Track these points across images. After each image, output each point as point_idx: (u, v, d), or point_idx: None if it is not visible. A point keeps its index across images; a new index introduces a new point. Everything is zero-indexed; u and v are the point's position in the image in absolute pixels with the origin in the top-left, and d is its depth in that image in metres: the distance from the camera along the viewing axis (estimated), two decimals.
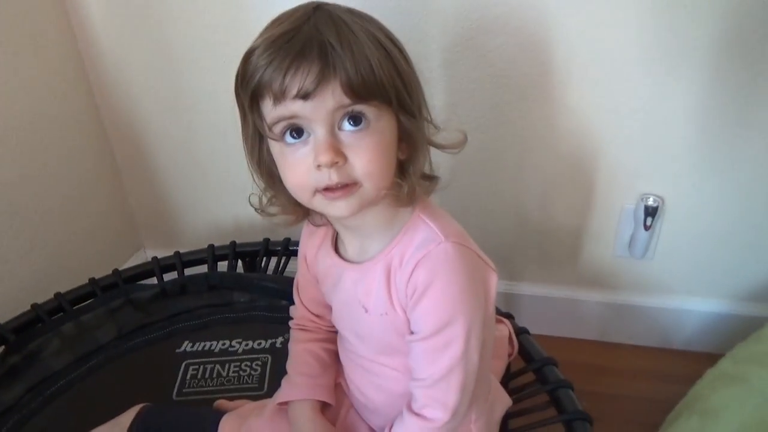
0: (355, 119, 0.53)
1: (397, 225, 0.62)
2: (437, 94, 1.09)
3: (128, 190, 1.41)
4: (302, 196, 0.57)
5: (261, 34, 0.55)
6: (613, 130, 1.07)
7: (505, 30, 1.01)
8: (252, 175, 0.63)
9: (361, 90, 0.51)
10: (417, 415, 0.60)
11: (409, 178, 0.58)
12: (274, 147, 0.57)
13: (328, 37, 0.51)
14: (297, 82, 0.50)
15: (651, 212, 1.10)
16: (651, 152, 1.08)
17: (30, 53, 1.11)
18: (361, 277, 0.63)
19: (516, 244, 1.23)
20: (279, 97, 0.52)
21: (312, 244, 0.72)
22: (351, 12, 0.55)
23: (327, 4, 0.55)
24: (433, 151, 0.61)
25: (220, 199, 1.36)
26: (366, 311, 0.63)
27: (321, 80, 0.50)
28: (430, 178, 0.61)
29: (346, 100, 0.51)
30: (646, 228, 1.11)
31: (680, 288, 1.22)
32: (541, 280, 1.27)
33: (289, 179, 0.57)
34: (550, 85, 1.05)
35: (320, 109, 0.52)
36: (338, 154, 0.53)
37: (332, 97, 0.51)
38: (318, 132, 0.53)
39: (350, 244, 0.66)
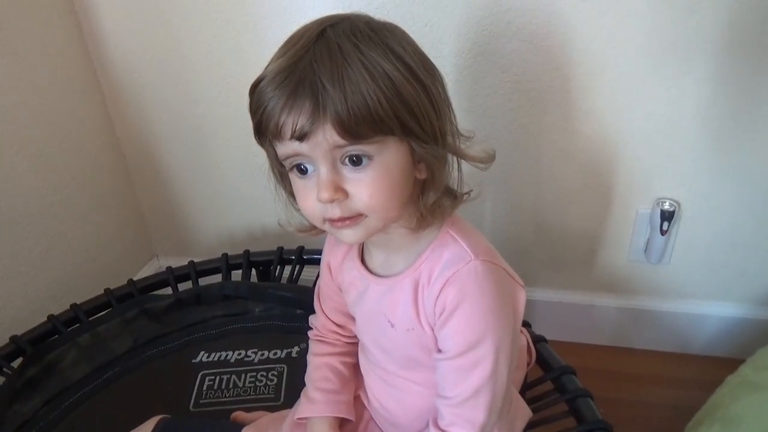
0: (355, 159, 0.52)
1: (425, 241, 0.61)
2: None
3: (141, 199, 1.41)
4: (314, 222, 0.58)
5: (270, 62, 0.54)
6: (628, 133, 1.06)
7: (518, 35, 1.00)
8: (276, 187, 0.63)
9: (354, 129, 0.50)
10: None
11: (426, 198, 0.57)
12: (290, 174, 0.58)
13: (321, 75, 0.49)
14: (290, 123, 0.50)
15: (667, 217, 1.09)
16: (666, 156, 1.07)
17: (46, 69, 1.12)
18: (388, 292, 0.63)
19: (530, 249, 1.23)
20: (277, 137, 0.52)
21: (337, 252, 0.71)
22: (357, 35, 0.52)
23: (335, 26, 0.53)
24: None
25: (232, 208, 1.36)
26: (392, 326, 0.63)
27: (313, 122, 0.50)
28: (455, 195, 0.60)
29: (341, 141, 0.50)
30: (663, 233, 1.10)
31: (697, 292, 1.20)
32: (556, 285, 1.26)
33: (301, 207, 0.58)
34: (564, 89, 1.04)
35: (317, 149, 0.51)
36: (338, 191, 0.53)
37: (325, 138, 0.50)
38: (320, 169, 0.53)
39: (377, 256, 0.65)
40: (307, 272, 1.17)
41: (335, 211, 0.54)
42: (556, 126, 1.08)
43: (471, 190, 0.61)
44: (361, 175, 0.53)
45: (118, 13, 1.16)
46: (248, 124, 1.33)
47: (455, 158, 0.59)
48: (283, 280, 1.17)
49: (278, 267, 1.17)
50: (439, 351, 0.60)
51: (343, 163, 0.53)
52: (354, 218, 0.55)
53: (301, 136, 0.51)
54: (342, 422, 0.72)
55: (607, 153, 1.09)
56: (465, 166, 0.60)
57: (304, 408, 0.72)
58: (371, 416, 0.73)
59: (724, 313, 1.20)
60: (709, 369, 1.20)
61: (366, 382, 0.73)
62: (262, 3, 1.08)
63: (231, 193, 1.34)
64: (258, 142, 0.57)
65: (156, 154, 1.33)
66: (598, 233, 1.18)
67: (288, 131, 0.51)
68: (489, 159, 0.60)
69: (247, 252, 1.18)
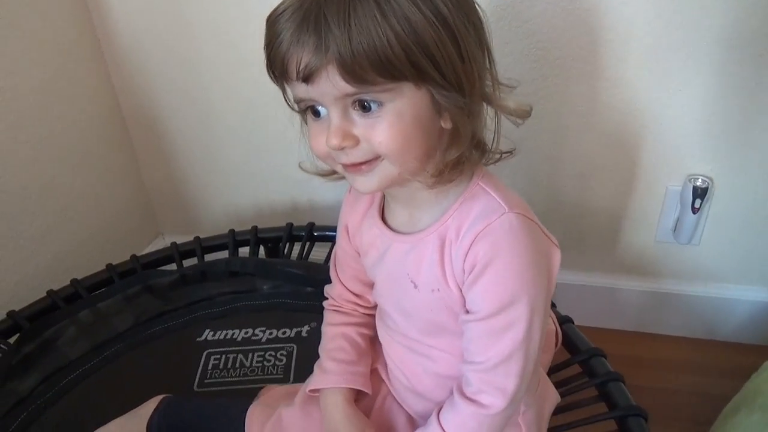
0: (363, 106, 0.49)
1: (453, 194, 0.56)
2: None
3: (146, 175, 1.37)
4: (327, 163, 0.56)
5: None
6: (659, 105, 1.00)
7: None
8: (301, 126, 0.59)
9: (359, 73, 0.46)
10: (471, 400, 0.55)
11: (449, 152, 0.52)
12: (305, 115, 0.55)
13: (327, 11, 0.45)
14: (294, 62, 0.47)
15: (700, 194, 1.03)
16: (700, 129, 1.01)
17: (48, 42, 1.09)
18: (411, 250, 0.58)
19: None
20: (284, 76, 0.50)
21: (356, 212, 0.66)
22: None
23: None
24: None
25: (240, 184, 1.32)
26: (415, 287, 0.58)
27: (317, 61, 0.46)
28: (484, 148, 0.55)
29: (349, 88, 0.47)
30: (694, 211, 1.04)
31: (728, 275, 1.15)
32: (578, 267, 1.20)
33: (312, 148, 0.55)
34: (593, 57, 0.98)
35: (326, 95, 0.49)
36: (346, 138, 0.50)
37: (330, 82, 0.47)
38: (331, 114, 0.50)
39: (399, 213, 0.61)
40: (317, 249, 1.13)
41: (347, 157, 0.51)
42: (582, 96, 1.02)
43: (506, 151, 0.56)
44: (371, 121, 0.50)
45: None
46: (255, 100, 1.28)
47: (495, 112, 0.54)
48: (293, 258, 1.12)
49: (287, 244, 1.13)
50: (467, 312, 0.55)
51: (353, 108, 0.50)
52: (369, 163, 0.51)
53: (306, 77, 0.47)
54: (358, 396, 0.67)
55: (635, 126, 1.03)
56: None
57: (317, 379, 0.68)
58: (389, 391, 0.69)
59: (756, 298, 1.15)
60: (738, 356, 1.16)
61: (385, 349, 0.69)
62: None
63: (238, 169, 1.30)
64: (272, 80, 0.53)
65: (161, 129, 1.29)
66: (624, 212, 1.13)
67: (293, 70, 0.48)
68: (524, 114, 0.55)
69: (255, 228, 1.14)
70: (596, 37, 0.97)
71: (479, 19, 0.52)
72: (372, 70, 0.46)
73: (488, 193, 0.55)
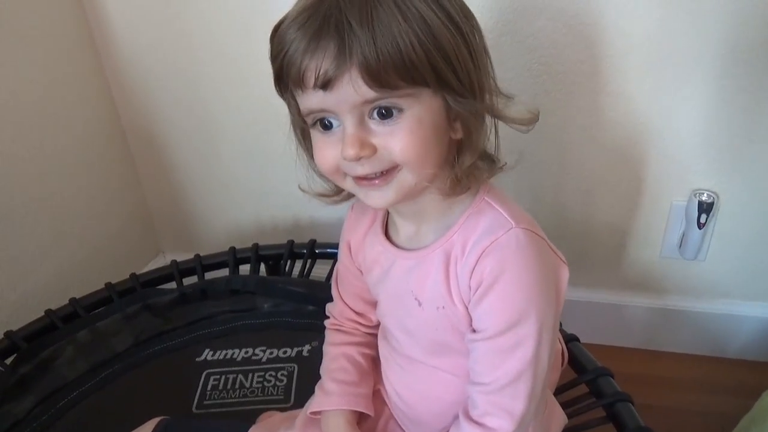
0: (384, 112, 0.48)
1: (459, 209, 0.55)
2: None
3: (147, 192, 1.36)
4: (334, 179, 0.54)
5: (294, 5, 0.49)
6: (662, 119, 0.99)
7: (546, 12, 0.94)
8: (297, 147, 0.58)
9: (383, 76, 0.45)
10: (477, 423, 0.53)
11: (462, 160, 0.51)
12: (312, 130, 0.53)
13: (348, 13, 0.44)
14: (313, 68, 0.46)
15: (706, 209, 1.01)
16: (704, 144, 1.00)
17: (50, 59, 1.09)
18: (416, 266, 0.57)
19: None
20: (299, 86, 0.48)
21: (358, 228, 0.65)
22: None
23: None
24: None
25: (241, 201, 1.31)
26: (419, 304, 0.57)
27: (338, 66, 0.45)
28: (492, 159, 0.54)
29: (371, 93, 0.46)
30: (700, 226, 1.03)
31: (735, 291, 1.13)
32: (583, 283, 1.19)
33: (319, 164, 0.53)
34: (596, 71, 0.97)
35: (344, 103, 0.47)
36: (364, 147, 0.48)
37: (351, 87, 0.46)
38: (346, 123, 0.49)
39: (403, 229, 0.60)
40: (319, 267, 1.11)
41: (362, 169, 0.49)
42: (585, 110, 1.01)
43: (506, 162, 0.55)
44: (391, 127, 0.48)
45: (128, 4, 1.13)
46: (256, 115, 1.27)
47: (493, 122, 0.53)
48: (294, 276, 1.11)
49: (289, 261, 1.12)
50: (474, 331, 0.54)
51: (370, 117, 0.48)
52: (385, 175, 0.50)
53: (325, 83, 0.46)
54: (360, 418, 0.66)
55: (639, 140, 1.02)
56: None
57: (318, 401, 0.66)
58: (391, 414, 0.67)
59: (764, 314, 1.13)
60: (746, 374, 1.14)
61: (385, 372, 0.67)
62: None
63: (239, 185, 1.29)
64: (279, 93, 0.52)
65: (162, 145, 1.28)
66: (628, 227, 1.11)
67: (311, 77, 0.46)
68: (532, 120, 0.54)
69: (255, 245, 1.13)
70: (597, 51, 0.96)
71: (479, 24, 0.52)
72: (395, 74, 0.45)
73: (494, 208, 0.54)
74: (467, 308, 0.54)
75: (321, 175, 0.57)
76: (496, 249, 0.51)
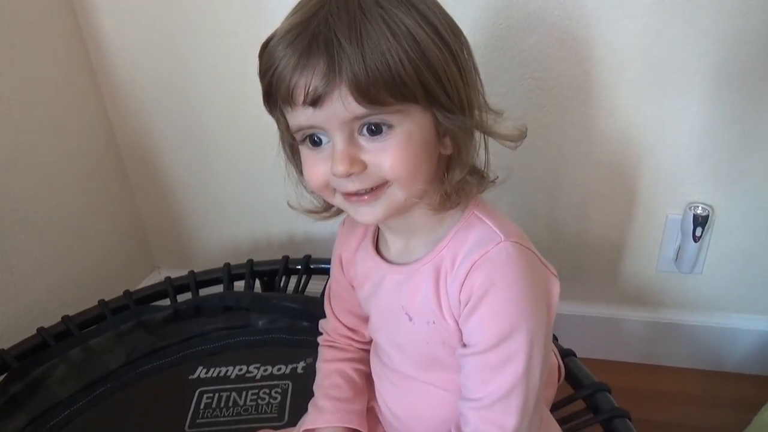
0: (374, 128, 0.48)
1: (448, 223, 0.55)
2: None
3: (141, 208, 1.36)
4: (324, 195, 0.54)
5: (283, 21, 0.50)
6: (656, 133, 0.99)
7: (539, 28, 0.94)
8: (286, 164, 0.58)
9: (373, 93, 0.45)
10: None
11: (452, 176, 0.51)
12: (301, 146, 0.53)
13: (337, 30, 0.45)
14: (303, 85, 0.46)
15: (701, 222, 1.01)
16: (699, 157, 1.00)
17: (44, 75, 1.09)
18: (406, 281, 0.57)
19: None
20: (289, 103, 0.48)
21: (350, 243, 0.65)
22: None
23: None
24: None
25: (236, 217, 1.31)
26: (410, 319, 0.57)
27: (328, 83, 0.45)
28: (482, 175, 0.54)
29: (360, 110, 0.46)
30: (696, 239, 1.03)
31: (732, 305, 1.13)
32: (579, 298, 1.18)
33: (308, 180, 0.53)
34: (588, 86, 0.98)
35: (333, 119, 0.47)
36: (354, 164, 0.48)
37: (341, 104, 0.46)
38: (335, 140, 0.49)
39: (393, 244, 0.60)
40: (314, 282, 1.11)
41: (352, 185, 0.49)
42: (578, 125, 1.02)
43: (497, 177, 0.55)
44: (381, 144, 0.48)
45: (120, 20, 1.13)
46: (250, 132, 1.27)
47: (482, 137, 0.53)
48: (289, 292, 1.11)
49: (284, 277, 1.11)
50: (465, 345, 0.53)
51: (360, 133, 0.48)
52: (375, 191, 0.50)
53: (315, 100, 0.46)
54: None
55: (634, 154, 1.02)
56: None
57: (312, 418, 0.66)
58: (385, 430, 0.67)
59: (761, 327, 1.12)
60: (744, 388, 1.14)
61: (378, 389, 0.67)
62: (269, 10, 1.03)
63: (235, 201, 1.29)
64: (268, 110, 0.52)
65: (157, 162, 1.28)
66: (624, 241, 1.11)
67: (300, 94, 0.46)
68: (520, 136, 0.54)
69: (250, 261, 1.12)
70: (590, 66, 0.96)
71: (467, 41, 0.52)
72: (384, 91, 0.45)
73: (484, 222, 0.54)
74: (457, 323, 0.53)
75: (311, 192, 0.57)
76: (486, 263, 0.51)
